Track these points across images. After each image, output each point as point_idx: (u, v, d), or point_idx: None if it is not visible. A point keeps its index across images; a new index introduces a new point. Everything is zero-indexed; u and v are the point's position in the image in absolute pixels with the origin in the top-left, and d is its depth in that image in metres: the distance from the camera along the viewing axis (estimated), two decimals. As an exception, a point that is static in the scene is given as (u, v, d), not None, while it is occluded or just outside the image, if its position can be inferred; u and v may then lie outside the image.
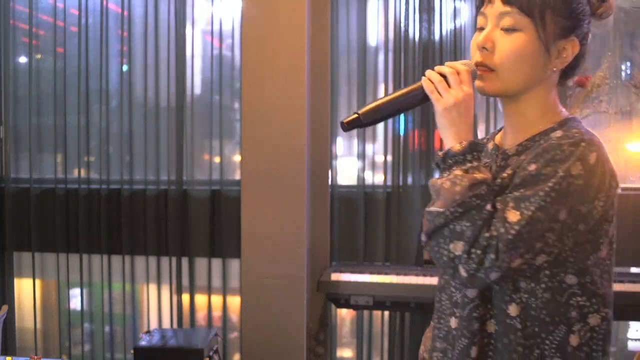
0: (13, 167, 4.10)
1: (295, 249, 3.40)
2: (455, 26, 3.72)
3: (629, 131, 3.67)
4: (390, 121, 3.78)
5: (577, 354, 1.30)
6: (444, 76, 1.30)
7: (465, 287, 1.36)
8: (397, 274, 3.39)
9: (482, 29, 1.34)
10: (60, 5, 4.00)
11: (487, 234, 1.23)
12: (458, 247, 1.25)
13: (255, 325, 3.46)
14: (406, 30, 3.72)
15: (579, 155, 1.25)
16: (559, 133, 1.31)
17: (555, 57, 1.32)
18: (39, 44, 4.11)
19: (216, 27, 3.91)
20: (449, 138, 1.30)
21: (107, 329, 4.06)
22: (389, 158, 3.79)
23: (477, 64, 1.32)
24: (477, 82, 1.34)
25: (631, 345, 3.94)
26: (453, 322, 1.40)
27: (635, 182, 3.71)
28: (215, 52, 3.93)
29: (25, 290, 4.18)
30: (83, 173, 4.03)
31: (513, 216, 1.23)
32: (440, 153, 1.31)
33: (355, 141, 3.85)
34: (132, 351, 3.08)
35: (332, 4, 3.71)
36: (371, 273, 3.43)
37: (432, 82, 1.30)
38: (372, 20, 3.82)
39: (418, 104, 1.35)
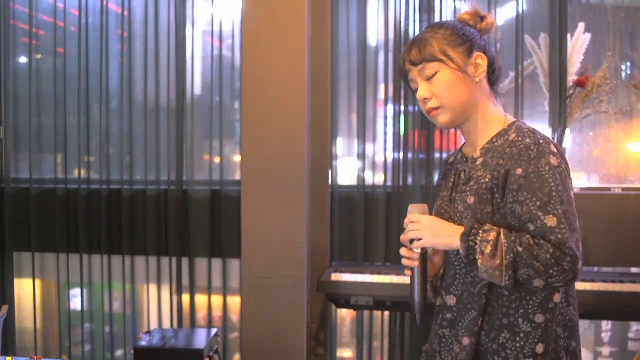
0: (13, 167, 4.10)
1: (295, 249, 3.40)
2: (455, 26, 3.71)
3: (629, 131, 3.67)
4: (390, 121, 3.78)
5: (557, 309, 1.60)
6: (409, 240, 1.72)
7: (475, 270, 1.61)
8: (397, 274, 3.38)
9: (416, 89, 1.69)
10: (60, 5, 4.00)
11: (547, 255, 1.46)
12: (540, 282, 1.50)
13: (255, 325, 3.46)
14: (406, 30, 3.72)
15: (547, 150, 1.54)
16: (513, 135, 1.61)
17: (473, 72, 1.66)
18: (39, 44, 4.11)
19: (216, 28, 3.91)
20: (456, 236, 1.61)
21: (107, 329, 4.06)
22: (389, 158, 3.79)
23: (429, 110, 1.67)
24: (437, 120, 1.67)
25: (631, 346, 3.93)
26: (451, 300, 1.67)
27: (635, 182, 3.71)
28: (215, 52, 3.93)
29: (25, 290, 4.18)
30: (83, 173, 4.03)
31: (551, 221, 1.48)
32: (472, 245, 1.56)
33: (355, 141, 3.85)
34: (132, 351, 3.08)
35: (332, 4, 3.71)
36: (371, 273, 3.43)
37: (408, 256, 1.75)
38: (372, 20, 3.81)
39: (425, 266, 1.72)
